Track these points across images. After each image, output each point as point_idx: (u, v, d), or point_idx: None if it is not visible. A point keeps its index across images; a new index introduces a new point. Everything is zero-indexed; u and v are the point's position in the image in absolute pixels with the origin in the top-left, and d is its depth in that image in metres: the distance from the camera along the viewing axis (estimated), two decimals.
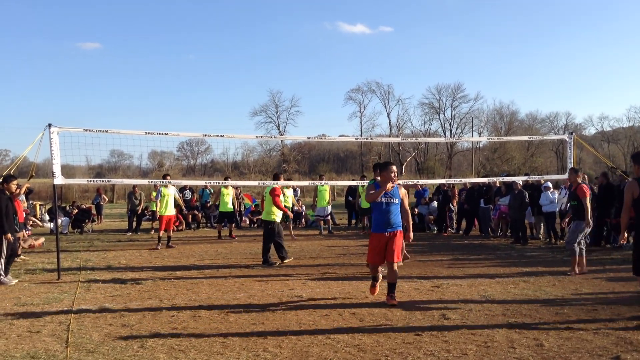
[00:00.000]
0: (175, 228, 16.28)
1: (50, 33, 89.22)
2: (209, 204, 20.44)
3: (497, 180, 15.82)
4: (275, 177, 11.30)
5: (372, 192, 6.88)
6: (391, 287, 6.82)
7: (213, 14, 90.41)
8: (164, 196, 13.55)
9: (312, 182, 17.62)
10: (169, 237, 13.56)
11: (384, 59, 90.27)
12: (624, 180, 12.97)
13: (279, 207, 10.56)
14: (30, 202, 19.08)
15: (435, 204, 17.41)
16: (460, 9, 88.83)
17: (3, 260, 8.62)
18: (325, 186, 16.98)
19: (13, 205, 9.04)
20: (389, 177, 6.87)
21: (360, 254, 11.86)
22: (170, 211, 13.65)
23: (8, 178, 9.18)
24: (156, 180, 15.87)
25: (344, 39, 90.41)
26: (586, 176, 14.16)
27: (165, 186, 13.58)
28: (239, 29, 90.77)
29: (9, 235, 8.63)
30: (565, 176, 12.69)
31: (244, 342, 5.22)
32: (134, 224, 17.95)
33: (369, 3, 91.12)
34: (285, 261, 10.47)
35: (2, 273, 8.57)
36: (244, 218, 20.03)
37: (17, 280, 8.63)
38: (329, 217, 17.17)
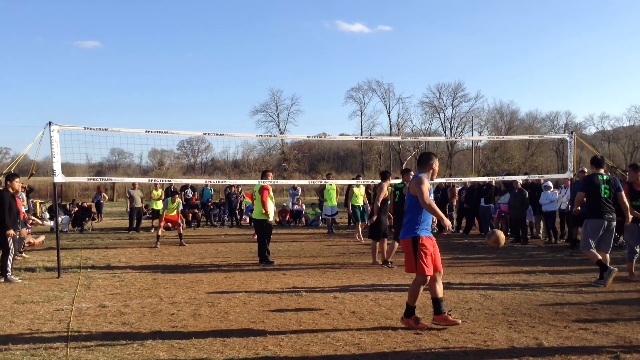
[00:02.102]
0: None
1: (49, 31, 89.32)
2: (210, 203, 20.47)
3: (496, 179, 15.83)
4: (264, 175, 11.14)
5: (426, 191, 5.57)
6: (440, 304, 5.67)
7: (211, 12, 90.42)
8: (170, 209, 13.81)
9: (321, 180, 17.61)
10: (180, 235, 13.72)
11: (383, 58, 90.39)
12: (624, 179, 12.97)
13: (264, 206, 10.49)
14: (31, 200, 19.07)
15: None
16: (460, 8, 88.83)
17: (11, 257, 8.67)
18: (333, 185, 16.94)
19: (16, 204, 9.11)
20: (436, 168, 5.89)
21: (359, 253, 11.87)
22: (172, 212, 13.81)
23: (11, 176, 9.23)
24: (157, 179, 15.90)
25: (343, 38, 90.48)
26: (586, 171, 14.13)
27: (173, 201, 13.81)
28: (237, 28, 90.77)
29: (11, 231, 8.68)
30: (565, 175, 12.72)
31: (243, 340, 5.22)
32: (135, 222, 17.92)
33: (367, 2, 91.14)
34: (261, 263, 10.35)
35: (10, 270, 8.61)
36: (244, 216, 20.05)
37: (19, 279, 8.64)
38: (335, 216, 17.11)
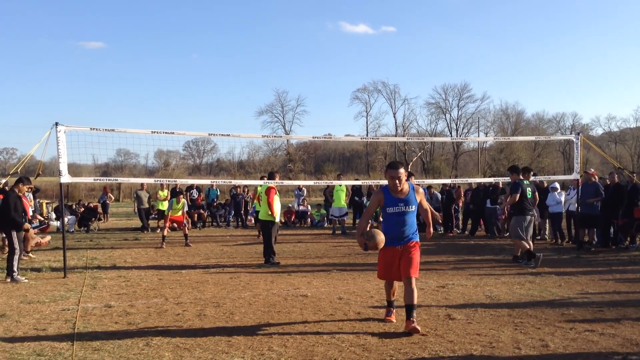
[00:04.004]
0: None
1: (53, 32, 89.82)
2: (216, 203, 20.50)
3: (502, 180, 15.76)
4: (271, 176, 11.17)
5: (371, 203, 5.86)
6: (410, 310, 5.50)
7: (215, 14, 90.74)
8: (175, 210, 13.91)
9: (326, 181, 17.61)
10: (185, 235, 13.78)
11: (388, 59, 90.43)
12: (632, 181, 12.90)
13: (270, 206, 10.48)
14: (37, 200, 19.15)
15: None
16: (464, 9, 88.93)
17: (17, 257, 8.72)
18: (343, 186, 16.86)
19: (22, 204, 9.19)
20: (390, 183, 5.63)
21: (365, 254, 11.84)
22: (177, 212, 13.90)
23: (24, 180, 9.30)
24: (162, 179, 15.93)
25: (346, 39, 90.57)
26: (591, 172, 14.03)
27: (178, 201, 13.94)
28: (242, 29, 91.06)
29: (27, 224, 8.77)
30: (572, 176, 12.66)
31: (249, 341, 5.22)
32: (145, 221, 17.97)
33: (370, 3, 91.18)
34: (267, 264, 10.34)
35: (16, 270, 8.65)
36: (249, 217, 20.07)
37: (26, 279, 8.68)
38: (345, 217, 17.03)
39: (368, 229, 5.63)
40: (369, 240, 5.48)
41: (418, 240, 5.77)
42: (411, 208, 5.65)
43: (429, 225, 6.08)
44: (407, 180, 5.87)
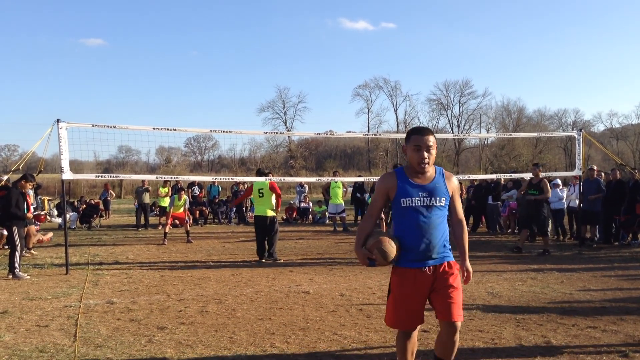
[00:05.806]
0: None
1: (53, 30, 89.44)
2: (217, 200, 20.51)
3: (504, 176, 15.76)
4: (260, 173, 11.16)
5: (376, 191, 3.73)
6: None
7: (215, 11, 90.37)
8: (177, 206, 14.02)
9: (328, 178, 17.60)
10: (187, 232, 13.82)
11: (389, 56, 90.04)
12: (634, 177, 12.88)
13: (278, 199, 10.53)
14: (39, 197, 19.18)
15: None
16: (464, 5, 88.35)
17: (18, 253, 8.73)
18: (339, 183, 16.86)
19: (25, 200, 9.20)
20: (413, 159, 3.54)
21: None
22: (179, 209, 13.96)
23: (28, 177, 9.30)
24: (164, 176, 15.96)
25: (347, 36, 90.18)
26: (602, 173, 14.03)
27: (180, 198, 14.06)
28: (241, 26, 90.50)
29: (30, 214, 8.78)
30: (574, 173, 12.64)
31: (251, 337, 5.23)
32: (142, 219, 18.00)
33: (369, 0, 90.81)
34: (263, 260, 10.34)
35: (17, 266, 8.66)
36: (250, 214, 20.08)
37: (28, 276, 8.69)
38: (343, 214, 17.00)
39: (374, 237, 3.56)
40: (375, 248, 3.49)
41: (453, 259, 3.64)
42: (440, 202, 3.52)
43: (464, 257, 3.69)
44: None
